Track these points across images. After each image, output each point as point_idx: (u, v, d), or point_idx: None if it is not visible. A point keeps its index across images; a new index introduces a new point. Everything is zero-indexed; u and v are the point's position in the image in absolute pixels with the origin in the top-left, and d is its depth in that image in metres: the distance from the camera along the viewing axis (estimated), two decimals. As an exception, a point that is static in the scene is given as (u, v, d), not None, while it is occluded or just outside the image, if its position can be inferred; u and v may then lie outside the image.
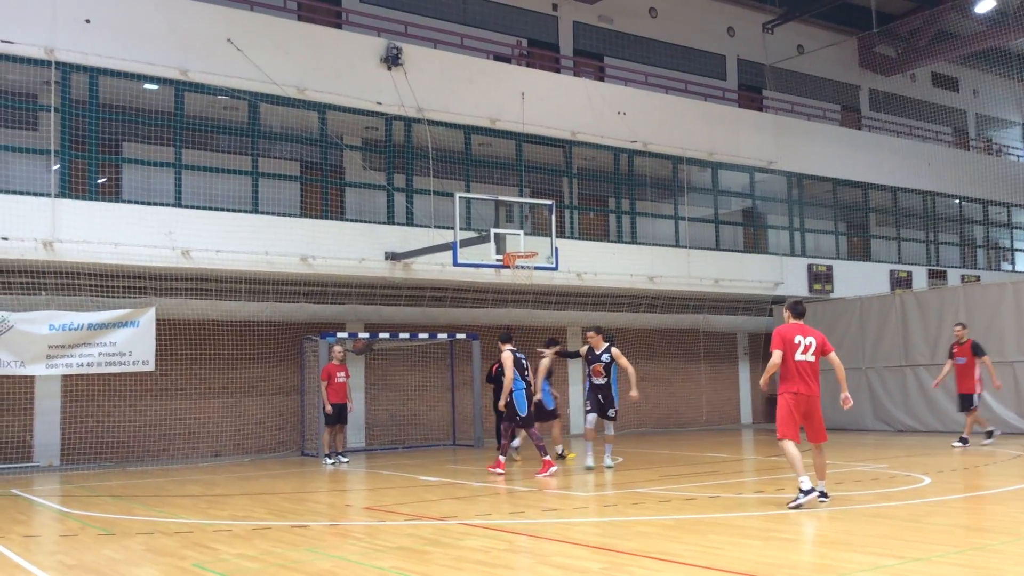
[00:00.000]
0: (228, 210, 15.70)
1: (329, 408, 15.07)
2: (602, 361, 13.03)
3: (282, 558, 6.94)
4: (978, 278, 25.84)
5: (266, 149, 16.79)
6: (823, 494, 8.84)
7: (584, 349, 13.40)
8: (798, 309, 9.22)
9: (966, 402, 15.23)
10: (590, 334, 13.21)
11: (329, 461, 15.09)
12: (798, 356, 8.84)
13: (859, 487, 10.75)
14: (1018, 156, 32.69)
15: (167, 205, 15.16)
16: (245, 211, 15.88)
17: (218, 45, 15.75)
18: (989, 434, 15.39)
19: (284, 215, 16.33)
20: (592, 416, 13.11)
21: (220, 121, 16.47)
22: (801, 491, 8.57)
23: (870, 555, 6.59)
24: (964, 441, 15.04)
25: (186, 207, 15.29)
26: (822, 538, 7.21)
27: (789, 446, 8.80)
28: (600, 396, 13.07)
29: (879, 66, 28.40)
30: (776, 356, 8.89)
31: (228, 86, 15.82)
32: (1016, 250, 30.10)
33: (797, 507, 8.52)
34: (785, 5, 25.48)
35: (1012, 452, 14.00)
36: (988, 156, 30.23)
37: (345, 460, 15.23)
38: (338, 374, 15.31)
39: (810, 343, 8.93)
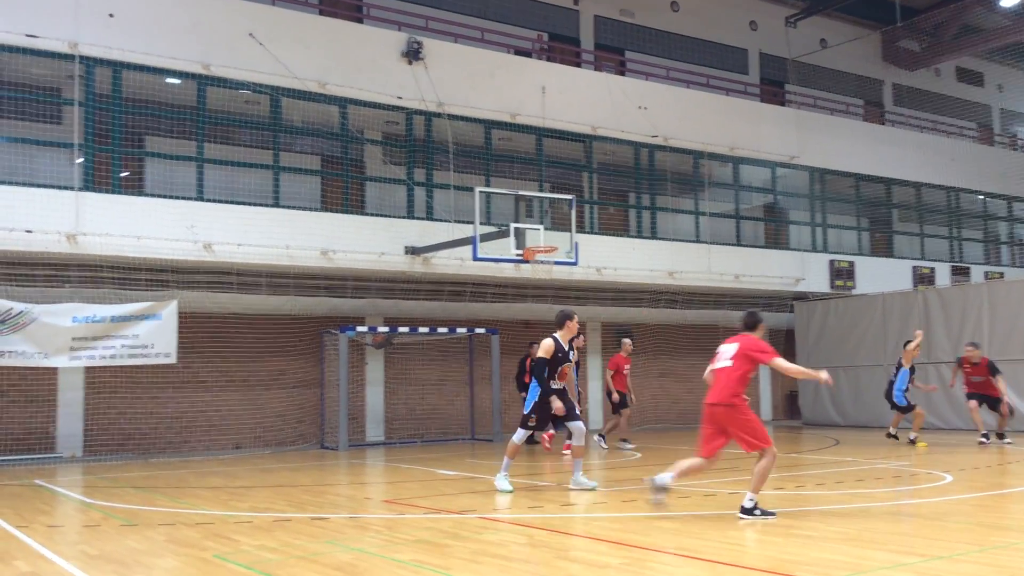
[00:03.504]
0: (249, 204, 15.78)
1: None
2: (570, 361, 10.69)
3: (302, 550, 6.97)
4: (1002, 275, 25.57)
5: (287, 143, 16.86)
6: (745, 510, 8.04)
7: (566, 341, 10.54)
8: (747, 320, 8.59)
9: (994, 401, 15.35)
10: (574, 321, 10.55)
11: None
12: (717, 364, 8.33)
13: (881, 484, 10.68)
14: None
15: (189, 199, 15.26)
16: (266, 205, 15.97)
17: (240, 40, 15.82)
18: (987, 436, 15.24)
19: (305, 209, 16.40)
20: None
21: (242, 115, 16.54)
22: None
23: (892, 553, 6.54)
24: (1000, 436, 15.38)
25: (208, 201, 15.39)
26: (843, 535, 7.16)
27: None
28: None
29: (903, 60, 28.14)
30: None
31: (250, 80, 15.89)
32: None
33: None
34: (808, -1, 25.32)
35: (1036, 451, 13.88)
36: (1013, 152, 29.89)
37: None
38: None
39: (729, 350, 8.31)
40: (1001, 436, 15.43)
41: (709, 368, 8.46)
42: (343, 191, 16.97)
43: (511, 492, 10.03)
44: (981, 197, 27.24)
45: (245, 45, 15.82)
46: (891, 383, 15.70)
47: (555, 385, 10.24)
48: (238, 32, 15.85)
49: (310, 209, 16.55)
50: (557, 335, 10.35)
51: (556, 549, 6.85)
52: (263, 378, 17.41)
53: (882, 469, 12.10)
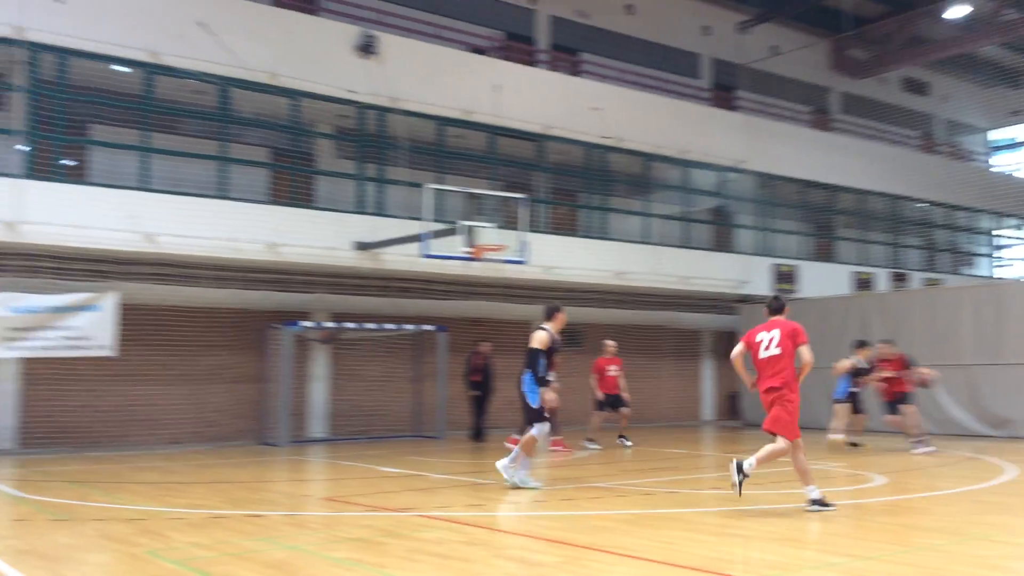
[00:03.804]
0: (195, 195, 15.57)
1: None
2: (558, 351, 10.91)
3: (236, 547, 6.92)
4: (940, 282, 26.20)
5: (236, 134, 16.65)
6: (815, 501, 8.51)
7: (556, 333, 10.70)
8: (773, 305, 9.00)
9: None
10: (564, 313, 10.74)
11: None
12: (761, 354, 8.67)
13: (815, 485, 10.88)
14: (983, 162, 33.17)
15: (133, 188, 15.01)
16: (212, 196, 15.77)
17: (190, 28, 15.60)
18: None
19: (252, 202, 16.22)
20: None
21: (189, 105, 16.32)
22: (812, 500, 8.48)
23: (821, 553, 6.70)
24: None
25: (152, 191, 15.15)
26: (775, 535, 7.31)
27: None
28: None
29: (851, 69, 28.67)
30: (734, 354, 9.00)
31: (199, 70, 15.67)
32: (977, 255, 30.57)
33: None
34: (761, 5, 25.65)
35: (965, 454, 14.24)
36: (953, 161, 30.63)
37: None
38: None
39: (773, 337, 8.61)
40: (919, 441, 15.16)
41: (737, 351, 8.88)
42: (292, 184, 16.82)
43: (539, 488, 10.08)
44: (921, 205, 27.87)
45: (195, 34, 15.59)
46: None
47: (550, 376, 10.31)
48: (188, 21, 15.62)
49: (258, 202, 16.38)
50: (547, 326, 10.39)
51: (494, 547, 6.89)
52: (204, 372, 17.18)
53: (817, 471, 12.33)
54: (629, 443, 16.27)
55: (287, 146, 17.08)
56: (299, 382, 17.89)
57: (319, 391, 18.45)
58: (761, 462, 8.46)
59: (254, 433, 17.57)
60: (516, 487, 10.04)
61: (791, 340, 8.52)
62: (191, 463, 13.63)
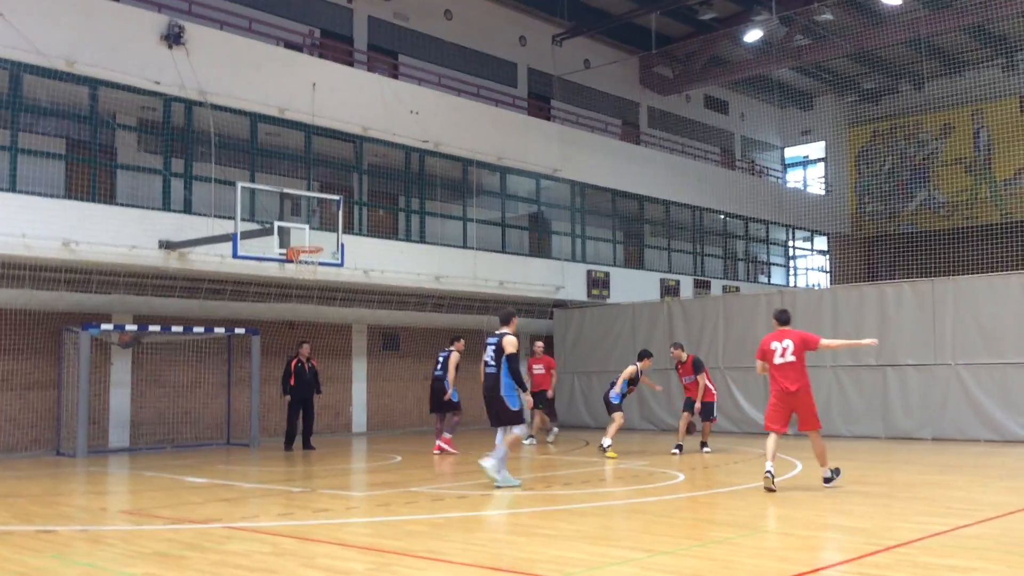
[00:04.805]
0: (-21, 187, 14.41)
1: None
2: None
3: (23, 565, 6.45)
4: (738, 289, 27.92)
5: (28, 124, 15.50)
6: (827, 479, 10.20)
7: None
8: (782, 317, 10.46)
9: (708, 410, 15.27)
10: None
11: None
12: (776, 360, 10.13)
13: (621, 483, 11.36)
14: (777, 177, 35.62)
15: (-94, 178, 13.71)
16: (1, 189, 14.63)
17: (-23, 8, 14.43)
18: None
19: (45, 195, 15.16)
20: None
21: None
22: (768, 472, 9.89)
23: (623, 549, 6.98)
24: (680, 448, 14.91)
25: (-70, 181, 13.90)
26: (582, 533, 7.56)
27: (770, 437, 10.16)
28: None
29: (657, 85, 30.08)
30: (758, 366, 10.56)
31: (-14, 53, 14.51)
32: (772, 264, 32.79)
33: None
34: (574, 19, 26.46)
35: (758, 451, 15.21)
36: (751, 176, 32.74)
37: None
38: None
39: (787, 346, 10.11)
40: (703, 444, 15.39)
41: (761, 364, 10.43)
42: (91, 178, 15.83)
43: (519, 485, 10.54)
44: (722, 216, 29.61)
45: (-18, 14, 14.43)
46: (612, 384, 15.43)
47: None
48: (-27, -1, 14.45)
49: (51, 196, 15.32)
50: (509, 331, 10.80)
51: (302, 557, 6.76)
52: (-9, 378, 15.93)
53: (624, 469, 12.86)
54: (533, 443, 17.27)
55: (85, 137, 16.07)
56: (98, 388, 16.87)
57: (120, 398, 17.48)
58: (824, 461, 10.25)
59: (48, 443, 16.43)
60: (499, 487, 10.38)
61: (803, 348, 10.13)
62: (-28, 477, 12.58)
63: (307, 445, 16.95)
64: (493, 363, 10.71)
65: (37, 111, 15.63)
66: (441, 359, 16.05)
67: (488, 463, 10.50)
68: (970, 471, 12.31)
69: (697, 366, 15.20)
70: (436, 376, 16.05)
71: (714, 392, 15.54)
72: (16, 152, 14.95)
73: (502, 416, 10.70)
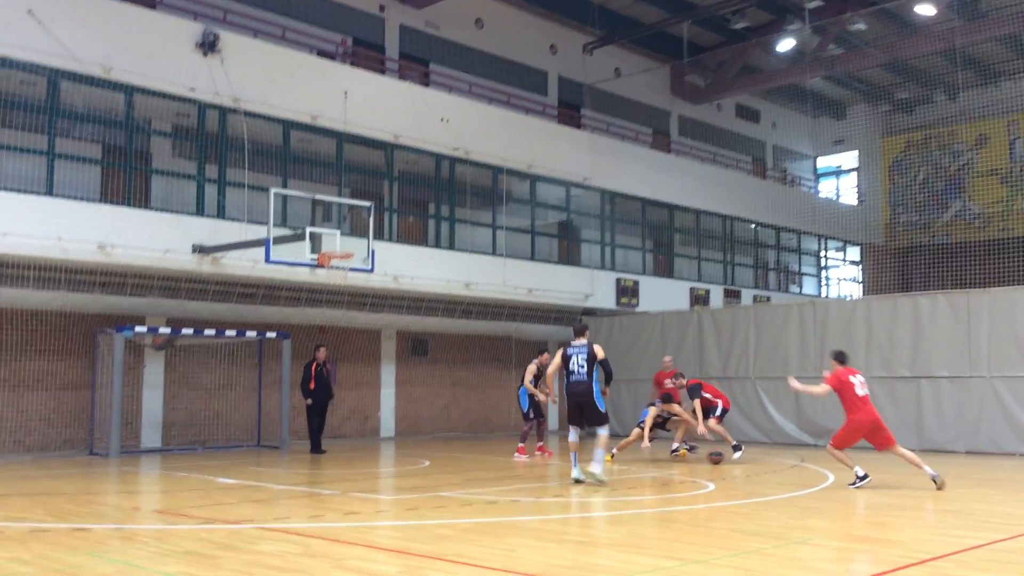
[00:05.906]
0: (19, 191, 14.65)
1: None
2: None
3: (59, 563, 6.53)
4: (768, 299, 27.73)
5: (65, 129, 15.75)
6: (934, 478, 10.85)
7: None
8: (840, 357, 11.69)
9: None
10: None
11: None
12: (859, 391, 11.21)
13: (651, 492, 11.30)
14: (809, 187, 35.38)
15: (-52, 182, 13.97)
16: (38, 193, 14.87)
17: (18, 17, 14.72)
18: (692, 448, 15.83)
19: (82, 200, 15.37)
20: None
21: (15, 96, 15.30)
22: (858, 477, 11.07)
23: (654, 557, 6.94)
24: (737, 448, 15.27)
25: (-29, 185, 14.14)
26: (612, 541, 7.53)
27: (837, 452, 11.39)
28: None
29: (689, 94, 29.98)
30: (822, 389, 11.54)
31: (27, 60, 14.76)
32: (803, 274, 32.54)
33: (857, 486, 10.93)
34: (605, 28, 26.46)
35: (790, 462, 15.08)
36: (782, 186, 32.52)
37: None
38: None
39: (863, 380, 11.48)
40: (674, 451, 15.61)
41: (858, 392, 11.30)
42: (126, 183, 16.05)
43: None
44: (753, 226, 29.44)
45: (23, 23, 14.69)
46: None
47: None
48: (15, 8, 14.71)
49: (88, 200, 15.53)
50: (585, 340, 11.71)
51: (333, 558, 6.78)
52: (26, 378, 16.15)
53: (653, 478, 12.79)
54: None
55: (121, 143, 16.29)
56: (131, 390, 17.08)
57: (153, 399, 17.67)
58: (914, 463, 11.11)
59: (82, 443, 16.64)
60: (601, 483, 11.10)
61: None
62: (11, 474, 12.77)
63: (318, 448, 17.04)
64: (584, 370, 11.36)
65: (74, 117, 15.87)
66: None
67: (597, 469, 11.16)
68: (1006, 485, 12.13)
69: (693, 392, 15.22)
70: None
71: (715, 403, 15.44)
72: (53, 157, 15.19)
73: (595, 419, 11.43)
